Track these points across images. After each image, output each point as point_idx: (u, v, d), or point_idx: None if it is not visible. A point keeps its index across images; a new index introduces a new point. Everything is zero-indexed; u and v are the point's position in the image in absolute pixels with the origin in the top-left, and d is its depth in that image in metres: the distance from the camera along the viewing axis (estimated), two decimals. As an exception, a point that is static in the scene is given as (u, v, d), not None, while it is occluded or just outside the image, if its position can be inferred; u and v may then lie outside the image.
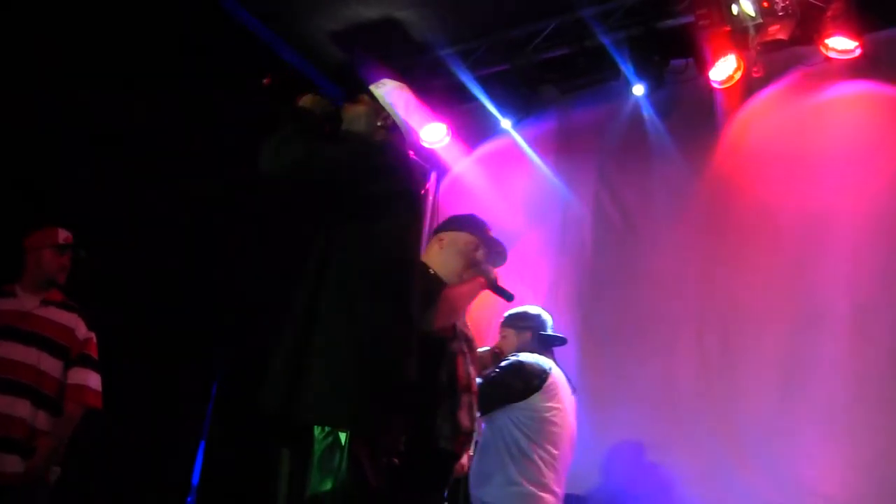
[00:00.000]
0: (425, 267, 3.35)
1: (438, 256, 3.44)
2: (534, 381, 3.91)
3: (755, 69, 5.17)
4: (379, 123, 3.03)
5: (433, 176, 6.82)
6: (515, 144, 6.37)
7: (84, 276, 4.34)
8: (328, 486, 2.49)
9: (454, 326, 3.32)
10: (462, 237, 3.46)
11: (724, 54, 5.20)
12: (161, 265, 5.35)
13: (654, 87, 5.66)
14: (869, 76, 5.13)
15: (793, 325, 4.89)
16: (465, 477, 3.93)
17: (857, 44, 4.93)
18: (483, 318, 4.76)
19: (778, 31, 4.95)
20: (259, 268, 5.73)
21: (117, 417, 4.48)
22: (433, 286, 3.26)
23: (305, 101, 2.95)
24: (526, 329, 4.16)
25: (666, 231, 5.57)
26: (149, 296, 5.27)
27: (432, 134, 6.37)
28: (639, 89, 5.68)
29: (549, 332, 4.19)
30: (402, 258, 2.82)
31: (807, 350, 4.80)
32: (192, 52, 5.46)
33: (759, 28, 4.97)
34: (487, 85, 6.14)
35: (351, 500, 2.51)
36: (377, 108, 3.05)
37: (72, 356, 4.12)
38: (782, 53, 5.17)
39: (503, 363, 3.97)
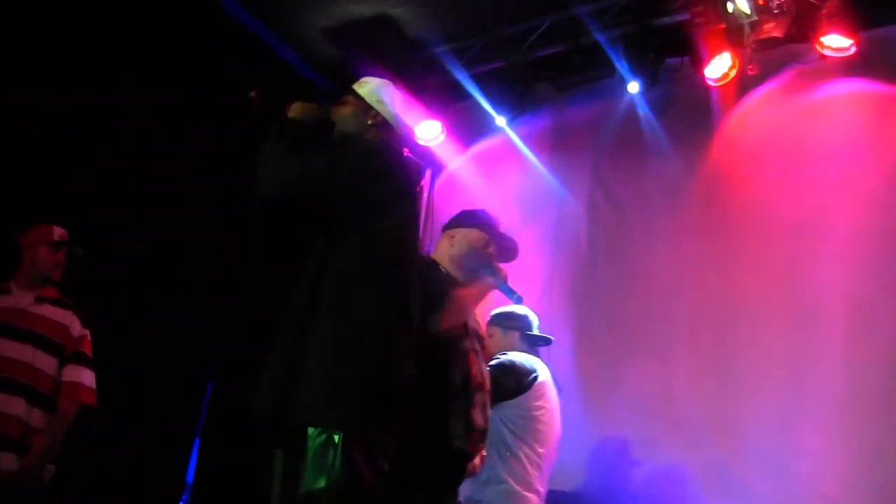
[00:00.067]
0: (436, 264, 3.35)
1: (449, 253, 3.42)
2: (524, 380, 3.91)
3: (750, 67, 5.17)
4: (369, 122, 3.01)
5: (428, 173, 6.81)
6: (510, 142, 6.36)
7: (81, 274, 4.34)
8: (322, 483, 2.48)
9: (466, 324, 3.29)
10: (472, 234, 3.43)
11: (720, 52, 5.20)
12: (158, 263, 5.35)
13: (649, 84, 5.64)
14: (864, 74, 5.13)
15: (788, 323, 4.89)
16: None
17: (852, 42, 4.93)
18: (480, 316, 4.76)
19: (773, 29, 4.95)
20: (257, 267, 5.72)
21: (112, 415, 4.47)
22: (443, 286, 3.24)
23: (295, 110, 2.93)
24: (513, 329, 4.15)
25: (661, 228, 5.57)
26: (145, 294, 5.28)
27: (427, 131, 6.37)
28: (634, 87, 5.66)
29: (536, 332, 4.19)
30: (402, 258, 2.81)
31: (803, 348, 4.80)
32: (191, 52, 5.46)
33: (755, 26, 4.97)
34: (482, 82, 6.12)
35: (345, 498, 2.50)
36: (364, 108, 3.03)
37: (66, 353, 4.12)
38: (777, 51, 5.16)
39: (493, 362, 3.96)
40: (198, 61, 5.49)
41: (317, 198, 2.75)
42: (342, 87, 3.17)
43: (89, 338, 4.23)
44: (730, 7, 4.98)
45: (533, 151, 6.30)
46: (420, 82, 6.13)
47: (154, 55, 5.26)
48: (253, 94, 3.01)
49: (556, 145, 6.29)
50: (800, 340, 4.82)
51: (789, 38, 5.02)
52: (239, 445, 5.46)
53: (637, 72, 5.59)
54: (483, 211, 3.56)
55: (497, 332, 4.17)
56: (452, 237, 3.45)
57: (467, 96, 6.17)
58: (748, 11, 4.94)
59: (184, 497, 5.74)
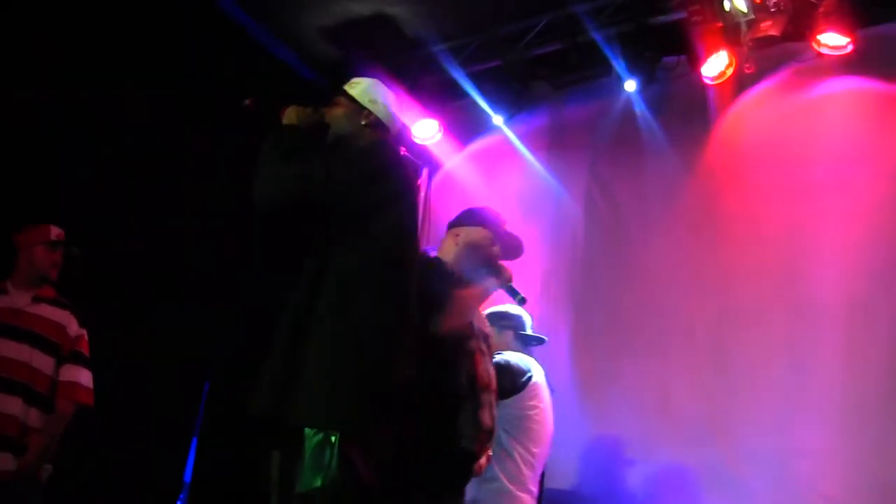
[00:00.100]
0: (441, 263, 3.33)
1: (454, 252, 3.41)
2: (520, 379, 3.90)
3: (747, 65, 5.17)
4: (362, 122, 3.00)
5: (425, 172, 6.82)
6: (507, 141, 6.36)
7: (79, 274, 4.34)
8: (318, 482, 2.48)
9: (471, 324, 3.28)
10: (477, 232, 3.39)
11: (716, 50, 5.21)
12: (157, 264, 5.35)
13: (646, 83, 5.65)
14: (861, 72, 5.13)
15: (787, 322, 4.89)
16: None
17: (849, 40, 4.93)
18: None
19: (770, 28, 4.95)
20: (257, 267, 5.72)
21: (110, 414, 4.48)
22: (447, 285, 3.22)
23: (289, 115, 2.91)
24: (507, 328, 4.13)
25: (658, 227, 5.57)
26: (144, 294, 5.28)
27: (424, 130, 6.36)
28: (631, 85, 5.66)
29: (529, 331, 4.19)
30: (402, 258, 2.80)
31: (801, 347, 4.79)
32: (190, 52, 5.45)
33: (751, 24, 4.97)
34: (479, 81, 6.12)
35: (341, 498, 2.50)
36: (356, 108, 3.01)
37: (63, 353, 4.12)
38: (774, 49, 5.16)
39: None
40: (197, 61, 5.49)
41: (315, 204, 2.74)
42: (333, 88, 3.15)
43: (86, 337, 4.23)
44: (726, 5, 4.98)
45: (530, 150, 6.30)
46: (417, 81, 6.14)
47: (153, 55, 5.26)
48: (247, 101, 2.99)
49: (553, 144, 6.29)
50: (799, 339, 4.82)
51: (786, 37, 5.02)
52: (237, 445, 5.45)
53: (634, 70, 5.59)
54: (488, 209, 3.53)
55: (491, 331, 4.17)
56: (457, 235, 3.43)
57: (464, 95, 6.17)
58: (745, 10, 4.94)
59: (181, 497, 5.74)
